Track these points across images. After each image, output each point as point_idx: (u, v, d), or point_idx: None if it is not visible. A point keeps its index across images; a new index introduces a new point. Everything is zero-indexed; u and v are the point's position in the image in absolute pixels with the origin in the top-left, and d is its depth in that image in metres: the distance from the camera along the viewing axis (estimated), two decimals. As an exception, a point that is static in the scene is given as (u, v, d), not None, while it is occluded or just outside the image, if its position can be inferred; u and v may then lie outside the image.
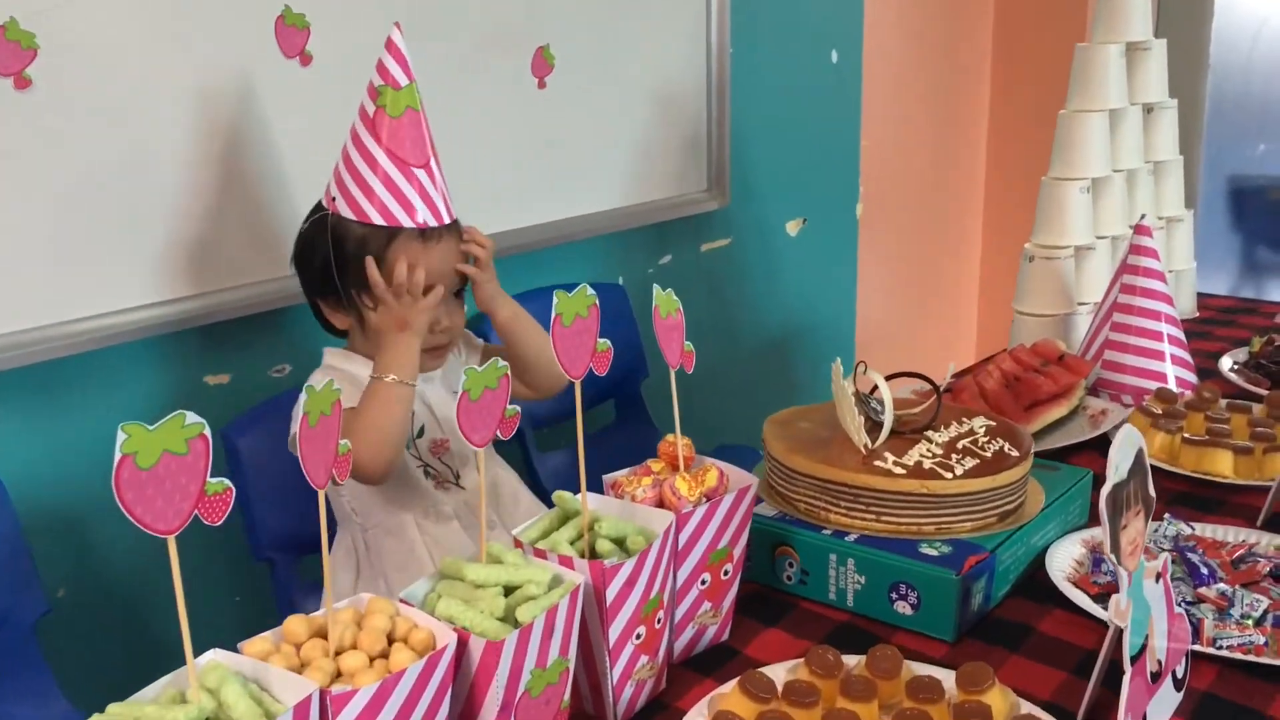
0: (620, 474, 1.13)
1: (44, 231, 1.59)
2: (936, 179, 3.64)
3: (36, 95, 1.55)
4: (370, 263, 1.42)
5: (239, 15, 1.78)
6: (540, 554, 0.97)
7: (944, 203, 3.70)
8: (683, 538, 1.06)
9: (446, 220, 1.48)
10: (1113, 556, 0.91)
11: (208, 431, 0.74)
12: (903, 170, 3.49)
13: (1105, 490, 0.90)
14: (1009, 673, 1.09)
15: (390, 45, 1.43)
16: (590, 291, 1.03)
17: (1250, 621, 1.12)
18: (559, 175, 2.40)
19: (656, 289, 1.10)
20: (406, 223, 1.44)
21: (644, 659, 1.02)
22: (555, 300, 1.00)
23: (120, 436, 0.70)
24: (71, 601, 1.73)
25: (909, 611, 1.15)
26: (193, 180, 1.74)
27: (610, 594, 0.96)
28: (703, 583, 1.10)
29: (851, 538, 1.19)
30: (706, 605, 1.11)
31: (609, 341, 1.05)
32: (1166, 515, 1.33)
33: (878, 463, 1.21)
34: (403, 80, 1.43)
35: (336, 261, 1.46)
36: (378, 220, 1.43)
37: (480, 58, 2.18)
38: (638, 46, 2.51)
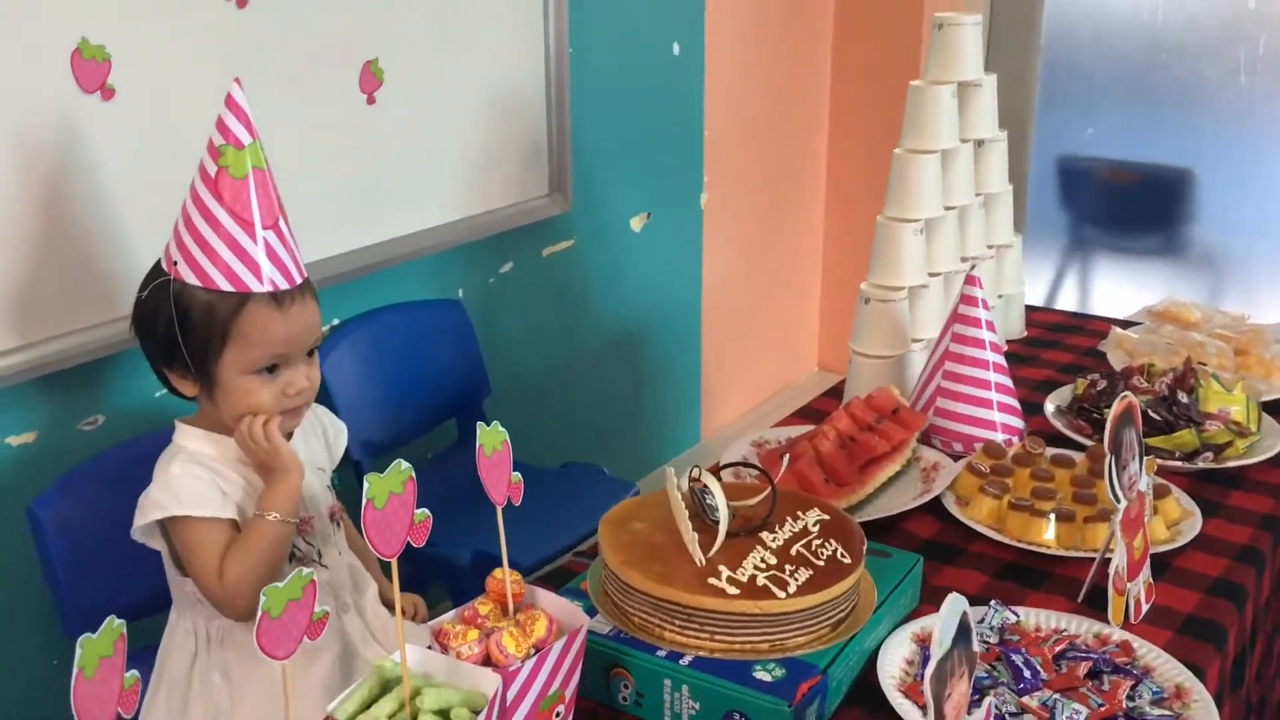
0: (446, 619, 1.09)
1: None
2: (780, 163, 3.64)
3: None
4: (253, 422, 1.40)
5: (27, 51, 1.65)
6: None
7: (788, 188, 3.71)
8: (511, 693, 1.03)
9: (298, 280, 1.42)
10: (937, 731, 0.92)
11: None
12: (746, 156, 3.48)
13: (929, 670, 0.90)
14: (840, 802, 1.10)
15: (230, 101, 1.34)
16: (405, 466, 0.97)
17: (1069, 736, 1.15)
18: (393, 192, 2.32)
19: (481, 427, 1.05)
20: (255, 287, 1.37)
21: (470, 828, 0.99)
22: (367, 485, 0.94)
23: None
24: None
25: (743, 739, 1.15)
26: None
27: (434, 778, 0.93)
28: (534, 730, 1.07)
29: (686, 659, 1.18)
30: (539, 749, 1.09)
31: (427, 511, 0.99)
32: (993, 602, 1.36)
33: (712, 580, 1.20)
34: (245, 139, 1.36)
35: (182, 330, 1.37)
36: (224, 286, 1.36)
37: (305, 77, 2.07)
38: (472, 54, 2.42)
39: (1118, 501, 1.34)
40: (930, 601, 1.42)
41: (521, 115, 2.58)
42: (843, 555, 1.26)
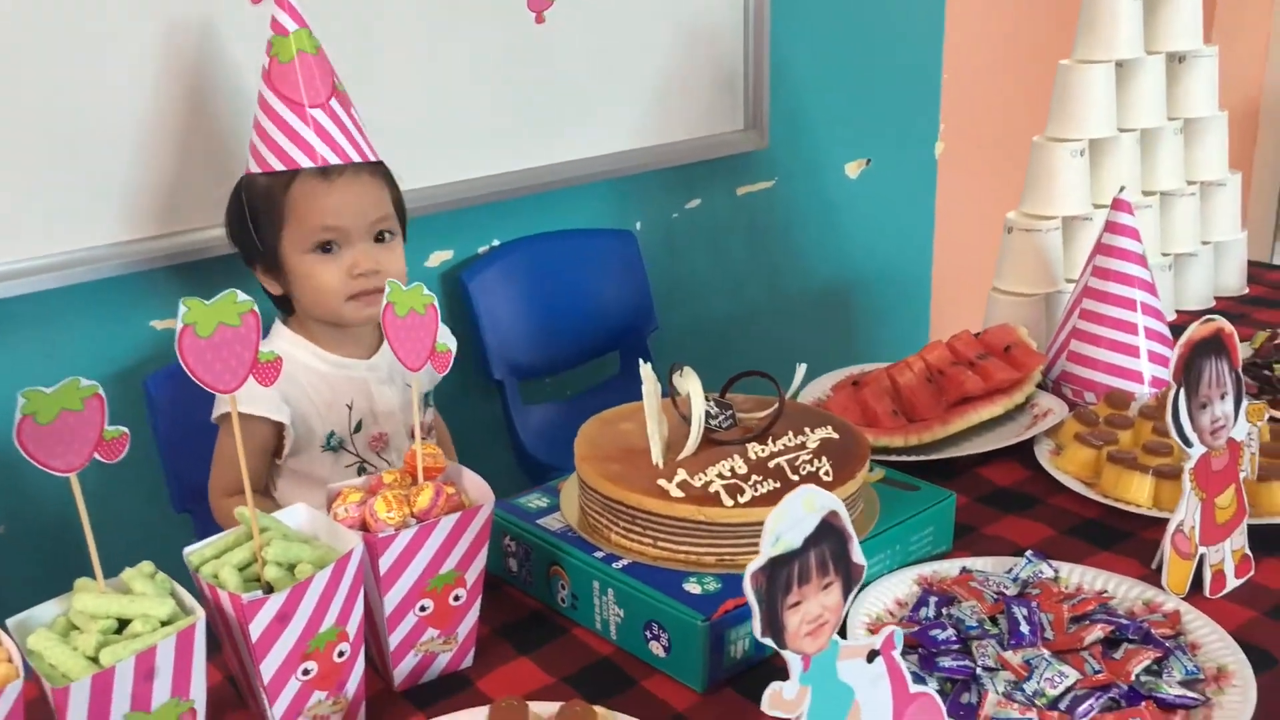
0: (352, 483, 1.05)
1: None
2: (1031, 112, 3.33)
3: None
4: None
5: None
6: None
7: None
8: (385, 563, 0.97)
9: (355, 159, 1.42)
10: (768, 640, 0.78)
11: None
12: (992, 103, 3.20)
13: (753, 564, 0.76)
14: (751, 735, 0.96)
15: None
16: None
17: (1042, 701, 0.96)
18: (560, 116, 2.28)
19: (395, 285, 1.00)
20: (304, 163, 1.39)
21: (319, 694, 0.95)
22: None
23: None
24: (9, 536, 1.77)
25: (662, 654, 1.04)
26: (159, 122, 1.72)
27: (256, 629, 0.89)
28: (421, 609, 1.01)
29: (622, 563, 1.08)
30: (432, 632, 1.03)
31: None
32: (1028, 553, 1.16)
33: (661, 481, 1.09)
34: (290, 26, 1.41)
35: (253, 221, 1.42)
36: (276, 165, 1.40)
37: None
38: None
39: (1186, 445, 1.10)
40: (973, 549, 1.23)
41: (712, 40, 2.47)
42: (826, 474, 1.11)
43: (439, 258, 2.20)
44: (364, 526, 0.99)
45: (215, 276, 1.89)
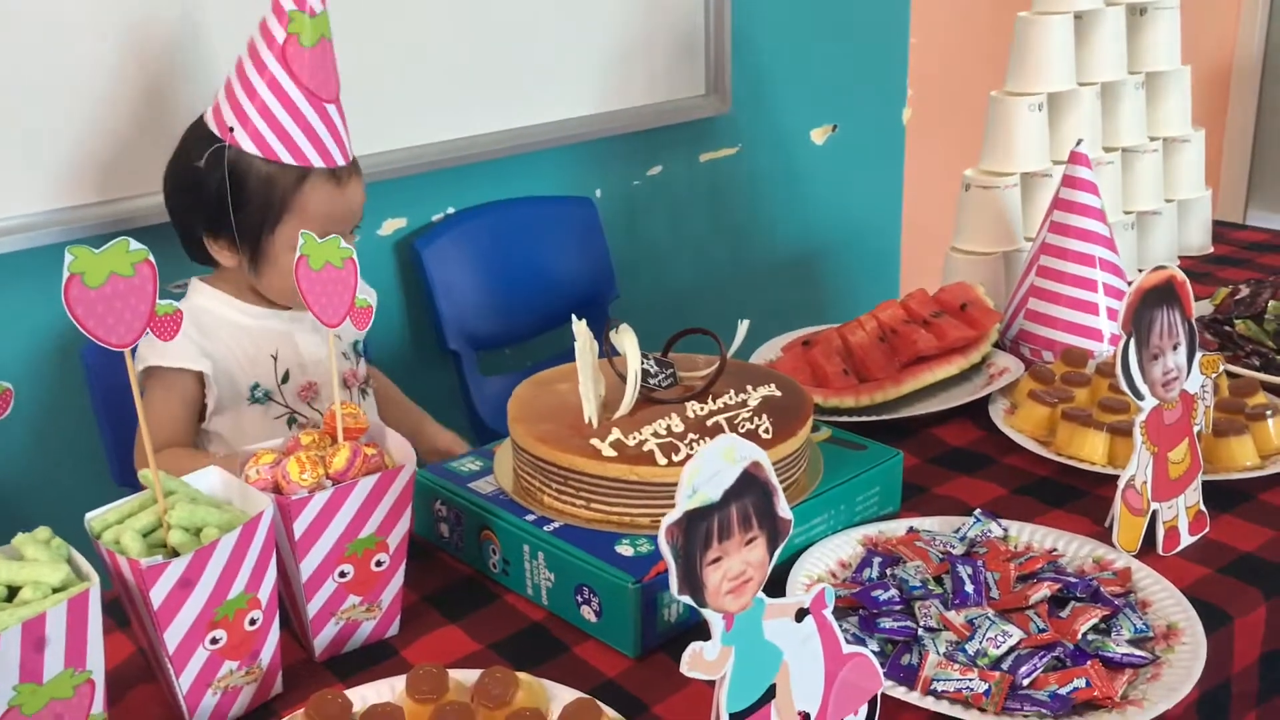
0: (268, 445, 1.00)
1: None
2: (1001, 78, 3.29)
3: None
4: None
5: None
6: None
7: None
8: (300, 527, 0.93)
9: (352, 158, 1.42)
10: (685, 598, 0.74)
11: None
12: (960, 67, 3.16)
13: (668, 518, 0.72)
14: (684, 701, 0.93)
15: None
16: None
17: (984, 661, 0.92)
18: (519, 79, 2.22)
19: (309, 236, 0.95)
20: (317, 162, 1.37)
21: (230, 664, 0.90)
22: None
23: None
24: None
25: (593, 619, 1.00)
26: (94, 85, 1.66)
27: (158, 596, 0.84)
28: (341, 575, 0.97)
29: (552, 526, 1.04)
30: (354, 599, 0.99)
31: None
32: (976, 511, 1.13)
33: (594, 440, 1.05)
34: (318, 6, 1.33)
35: (235, 200, 1.36)
36: (286, 158, 1.36)
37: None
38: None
39: (1138, 398, 1.07)
40: (923, 510, 1.20)
41: (672, 3, 2.42)
42: (766, 432, 1.07)
43: (392, 225, 2.15)
44: (277, 489, 0.94)
45: (159, 243, 1.83)
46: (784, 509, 0.79)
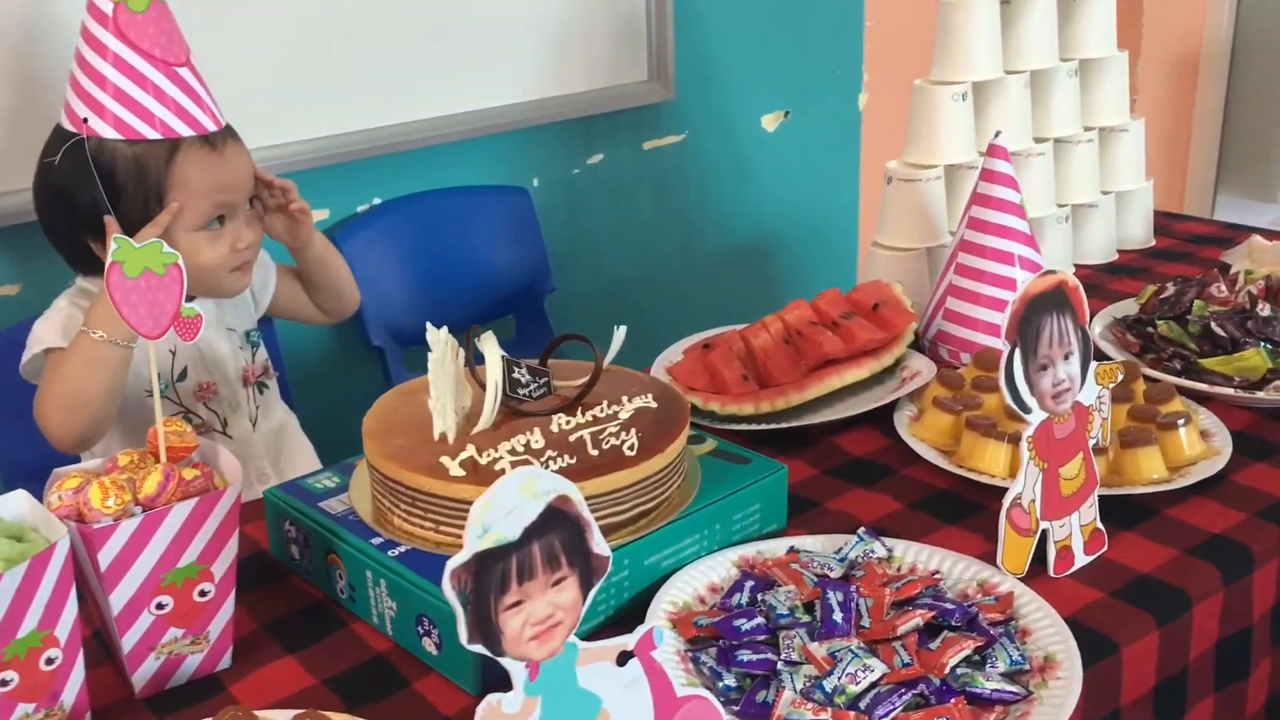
0: (80, 467, 0.93)
1: None
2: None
3: None
4: (110, 223, 1.26)
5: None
6: None
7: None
8: (105, 558, 0.86)
9: (224, 123, 1.34)
10: (478, 647, 0.68)
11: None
12: (919, 52, 3.08)
13: (454, 561, 0.66)
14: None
15: None
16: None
17: (841, 699, 0.86)
18: (450, 63, 2.15)
19: (123, 241, 0.88)
20: (183, 131, 1.28)
21: (24, 707, 0.84)
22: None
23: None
24: None
25: (434, 651, 0.94)
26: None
27: (-66, 637, 0.78)
28: (159, 607, 0.90)
29: (398, 551, 0.98)
30: (175, 632, 0.92)
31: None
32: (860, 530, 1.06)
33: (444, 459, 0.98)
34: None
35: (111, 193, 1.28)
36: (149, 134, 1.27)
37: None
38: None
39: (1024, 411, 1.00)
40: (811, 526, 1.13)
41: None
42: (631, 448, 1.01)
43: (314, 217, 2.07)
44: (80, 517, 0.87)
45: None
46: (600, 545, 0.73)
